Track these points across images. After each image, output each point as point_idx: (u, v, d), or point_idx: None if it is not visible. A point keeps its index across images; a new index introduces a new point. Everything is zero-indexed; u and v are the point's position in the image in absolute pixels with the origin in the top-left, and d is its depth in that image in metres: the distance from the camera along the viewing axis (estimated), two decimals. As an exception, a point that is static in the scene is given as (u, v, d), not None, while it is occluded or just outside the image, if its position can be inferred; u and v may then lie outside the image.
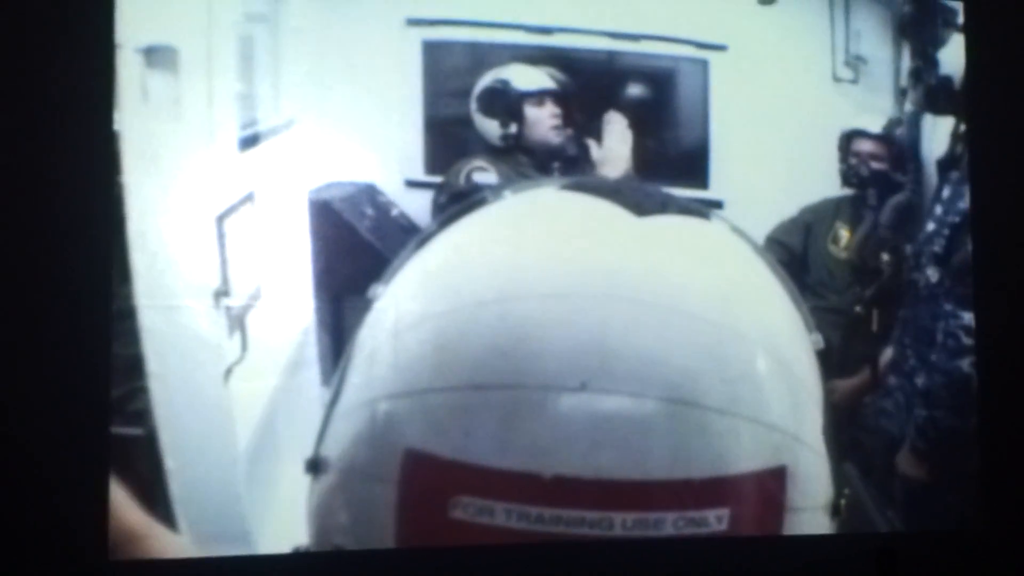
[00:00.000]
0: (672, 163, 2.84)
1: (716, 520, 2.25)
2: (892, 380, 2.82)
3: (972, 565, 2.76)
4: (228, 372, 2.51)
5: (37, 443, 2.40)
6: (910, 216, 2.88)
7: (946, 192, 2.86)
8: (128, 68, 2.48)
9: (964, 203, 2.86)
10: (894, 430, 2.81)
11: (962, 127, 2.90)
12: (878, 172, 2.88)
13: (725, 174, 2.84)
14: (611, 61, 2.85)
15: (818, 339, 2.47)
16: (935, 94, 2.87)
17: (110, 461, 2.42)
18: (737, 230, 2.57)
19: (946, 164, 2.88)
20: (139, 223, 2.47)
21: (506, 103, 2.78)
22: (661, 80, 2.87)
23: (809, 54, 2.91)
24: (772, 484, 2.25)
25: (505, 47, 2.81)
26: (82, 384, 2.42)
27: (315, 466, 2.32)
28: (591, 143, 2.80)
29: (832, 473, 2.38)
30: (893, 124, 2.92)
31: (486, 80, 2.78)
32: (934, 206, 2.87)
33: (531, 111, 2.80)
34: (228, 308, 2.52)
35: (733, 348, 2.25)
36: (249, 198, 2.60)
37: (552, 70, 2.80)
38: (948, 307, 2.82)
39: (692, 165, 2.84)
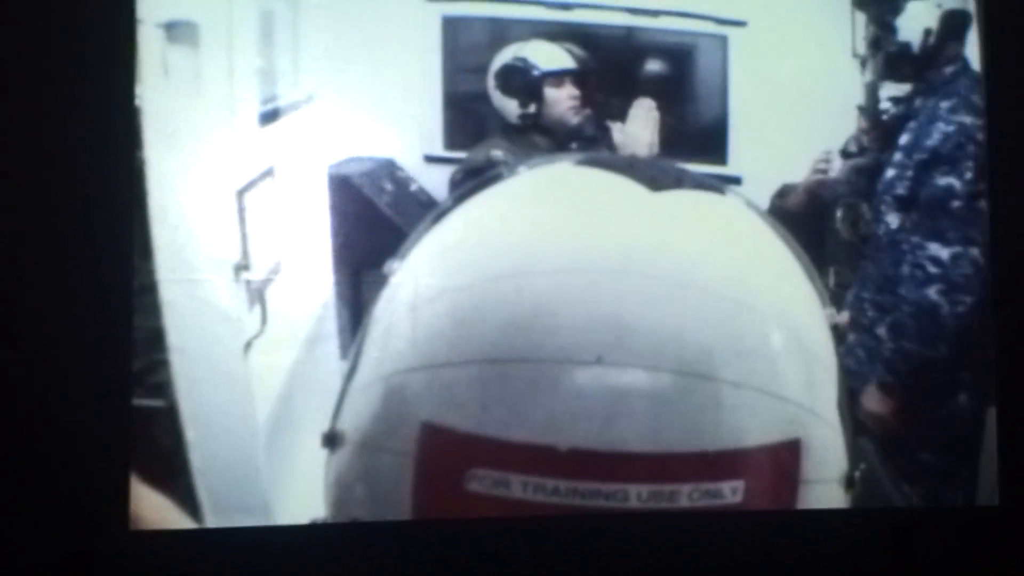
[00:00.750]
0: (691, 139, 2.84)
1: (731, 492, 2.25)
2: (852, 338, 2.81)
3: (989, 540, 2.76)
4: (248, 345, 2.53)
5: (60, 415, 2.44)
6: (869, 176, 2.86)
7: (904, 139, 2.84)
8: (149, 43, 2.49)
9: (930, 141, 2.83)
10: (859, 384, 2.79)
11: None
12: (865, 148, 2.87)
13: (744, 150, 2.83)
14: (630, 37, 2.84)
15: (832, 313, 2.46)
16: (895, 61, 2.85)
17: (132, 432, 2.45)
18: (752, 205, 2.57)
19: (903, 118, 2.86)
20: (160, 198, 2.48)
21: (525, 82, 2.77)
22: (680, 56, 2.86)
23: (829, 30, 2.89)
24: (787, 456, 2.25)
25: (524, 22, 2.81)
26: (104, 357, 2.45)
27: (332, 440, 2.33)
28: (614, 125, 2.80)
29: (847, 446, 2.38)
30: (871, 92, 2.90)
31: (505, 57, 2.78)
32: (892, 155, 2.85)
33: (550, 91, 2.79)
34: (248, 282, 2.54)
35: (747, 322, 2.25)
36: (269, 173, 2.61)
37: (571, 46, 2.79)
38: (915, 239, 2.80)
39: (711, 141, 2.84)
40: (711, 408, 2.20)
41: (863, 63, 2.88)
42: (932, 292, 2.78)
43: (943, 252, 2.79)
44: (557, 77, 2.79)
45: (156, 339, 2.45)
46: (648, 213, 2.35)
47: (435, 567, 2.50)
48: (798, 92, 2.85)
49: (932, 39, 2.86)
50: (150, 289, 2.46)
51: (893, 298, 2.80)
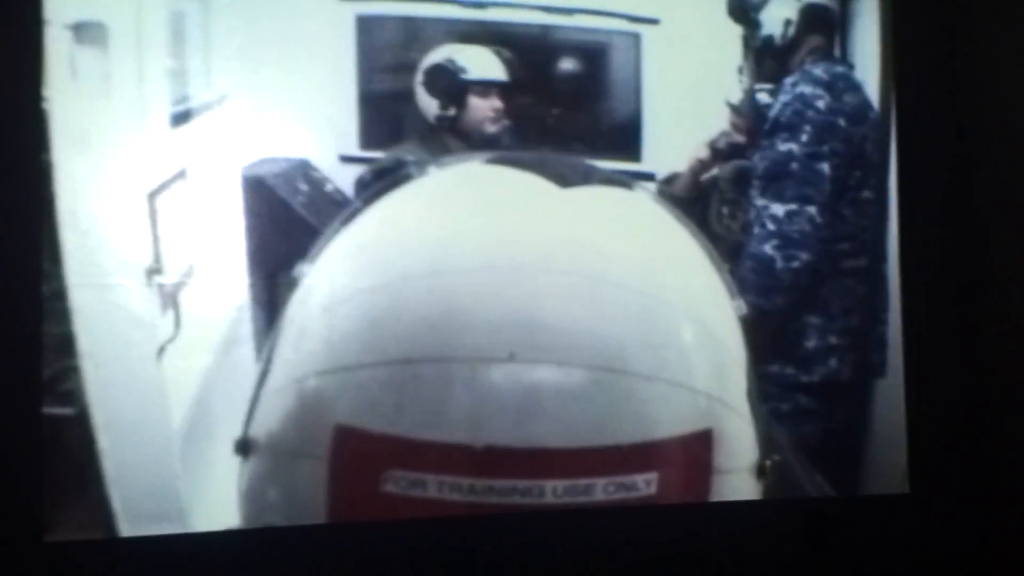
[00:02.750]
0: (605, 136, 2.86)
1: (645, 484, 2.27)
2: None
3: (901, 528, 2.82)
4: (161, 350, 2.49)
5: (-31, 425, 2.38)
6: (742, 171, 2.93)
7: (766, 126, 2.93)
8: (56, 44, 2.44)
9: (772, 113, 2.91)
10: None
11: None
12: (735, 145, 2.93)
13: (657, 147, 2.86)
14: (545, 35, 2.85)
15: (740, 305, 2.50)
16: (761, 57, 2.93)
17: (42, 441, 2.40)
18: (660, 199, 2.60)
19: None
20: (69, 201, 2.44)
21: (451, 85, 2.77)
22: (594, 54, 2.89)
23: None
24: (698, 447, 2.28)
25: (439, 21, 2.81)
26: (13, 364, 2.40)
27: (244, 447, 2.32)
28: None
29: (757, 436, 2.41)
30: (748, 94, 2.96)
31: (436, 56, 2.77)
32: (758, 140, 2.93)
33: (474, 99, 2.79)
34: (161, 286, 2.50)
35: (658, 315, 2.28)
36: (181, 175, 2.58)
37: (503, 50, 2.79)
38: (761, 203, 2.87)
39: (625, 138, 2.86)
40: (624, 401, 2.22)
41: (740, 71, 2.94)
42: (768, 248, 2.85)
43: (779, 209, 2.86)
44: (484, 86, 2.79)
45: (67, 345, 2.40)
46: (558, 210, 2.37)
47: (352, 570, 2.49)
48: (710, 89, 2.89)
49: (792, 30, 2.93)
50: (60, 294, 2.42)
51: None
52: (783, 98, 2.90)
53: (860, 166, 2.91)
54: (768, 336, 2.79)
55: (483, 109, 2.79)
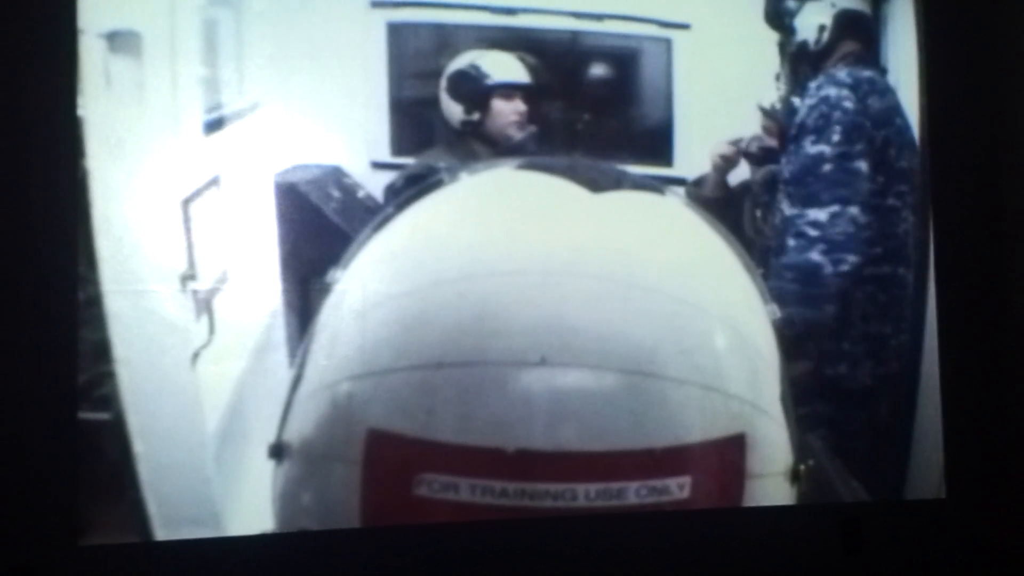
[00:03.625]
0: (636, 142, 2.85)
1: (678, 488, 2.27)
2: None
3: (936, 534, 2.79)
4: (195, 356, 2.51)
5: (5, 429, 2.40)
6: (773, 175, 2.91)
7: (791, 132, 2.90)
8: (91, 54, 2.47)
9: (798, 118, 2.89)
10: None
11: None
12: (767, 149, 2.91)
13: (688, 152, 2.85)
14: (575, 41, 2.85)
15: (774, 309, 2.50)
16: (795, 63, 2.91)
17: (78, 446, 2.42)
18: (692, 204, 2.59)
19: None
20: (104, 209, 2.46)
21: (474, 90, 2.77)
22: (625, 60, 2.88)
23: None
24: (732, 451, 2.28)
25: (470, 28, 2.81)
26: (50, 370, 2.42)
27: (278, 451, 2.33)
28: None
29: (791, 440, 2.40)
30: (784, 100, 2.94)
31: (460, 62, 2.78)
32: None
33: (498, 103, 2.79)
34: (195, 292, 2.52)
35: (690, 319, 2.27)
36: (214, 182, 2.59)
37: (526, 55, 2.79)
38: (794, 211, 2.83)
39: (656, 144, 2.85)
40: (656, 405, 2.21)
41: (777, 77, 2.92)
42: (814, 254, 2.81)
43: (820, 214, 2.83)
44: (507, 90, 2.79)
45: (102, 351, 2.43)
46: (590, 215, 2.37)
47: (386, 573, 2.49)
48: (741, 94, 2.88)
49: (826, 35, 2.91)
50: (95, 301, 2.44)
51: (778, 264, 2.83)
52: (808, 102, 2.89)
53: (883, 171, 2.89)
54: (814, 347, 2.78)
55: (507, 113, 2.79)
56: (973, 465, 2.84)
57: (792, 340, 2.65)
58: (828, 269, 2.81)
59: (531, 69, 2.79)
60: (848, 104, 2.87)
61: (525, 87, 2.79)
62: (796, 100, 2.90)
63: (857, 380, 2.83)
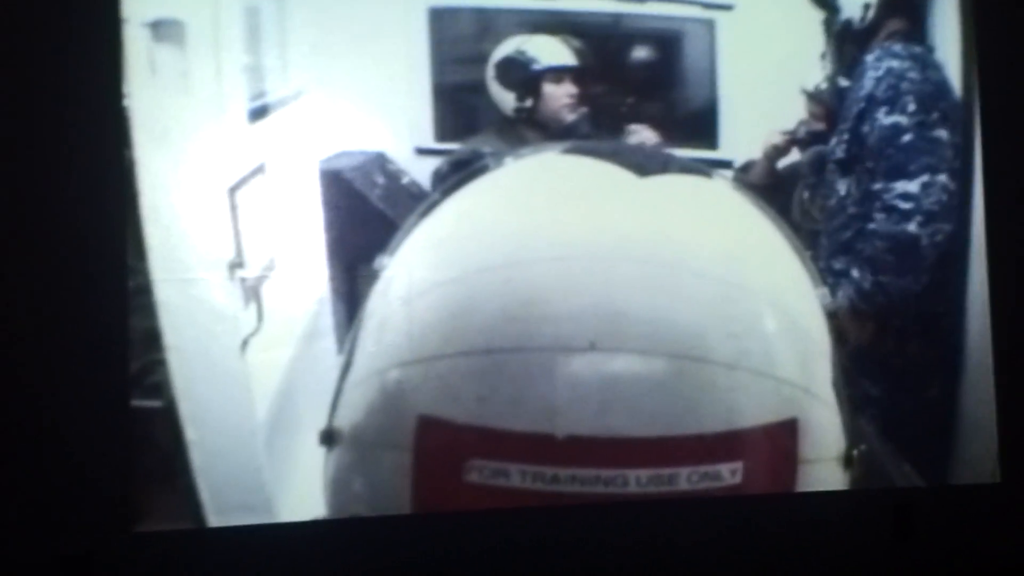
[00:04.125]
0: (681, 125, 2.83)
1: (730, 474, 2.26)
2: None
3: (990, 519, 2.76)
4: (245, 343, 2.53)
5: (60, 418, 2.43)
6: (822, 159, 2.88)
7: (844, 107, 2.86)
8: (135, 43, 2.49)
9: (863, 91, 2.84)
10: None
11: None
12: (815, 132, 2.87)
13: (735, 134, 2.82)
14: (617, 24, 2.83)
15: (825, 293, 2.47)
16: (840, 42, 2.87)
17: (131, 433, 2.45)
18: (740, 187, 2.57)
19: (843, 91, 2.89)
20: (151, 198, 2.48)
21: (524, 76, 2.76)
22: (668, 41, 2.86)
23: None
24: (784, 436, 2.26)
25: (511, 12, 2.80)
26: (101, 358, 2.45)
27: (329, 437, 2.34)
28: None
29: (844, 425, 2.38)
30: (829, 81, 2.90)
31: (506, 49, 2.76)
32: (837, 125, 2.87)
33: (549, 87, 2.78)
34: (243, 280, 2.54)
35: (740, 303, 2.25)
36: (260, 169, 2.61)
37: (570, 38, 2.78)
38: (879, 185, 2.79)
39: (701, 126, 2.83)
40: (707, 390, 2.20)
41: (822, 56, 2.88)
42: (911, 226, 2.78)
43: (911, 186, 2.79)
44: (556, 73, 2.78)
45: (152, 339, 2.45)
46: (637, 199, 2.35)
47: (438, 560, 2.50)
48: (786, 75, 2.85)
49: (871, 13, 2.87)
50: (145, 290, 2.47)
51: (855, 248, 2.80)
52: (872, 74, 2.83)
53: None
54: (913, 318, 2.78)
55: (559, 96, 2.78)
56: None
57: (883, 307, 2.67)
58: (924, 241, 2.78)
59: (576, 52, 2.78)
60: (914, 75, 2.82)
61: (574, 69, 2.78)
62: (842, 80, 2.87)
63: (909, 359, 2.82)
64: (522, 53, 2.76)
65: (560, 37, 2.78)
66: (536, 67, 2.76)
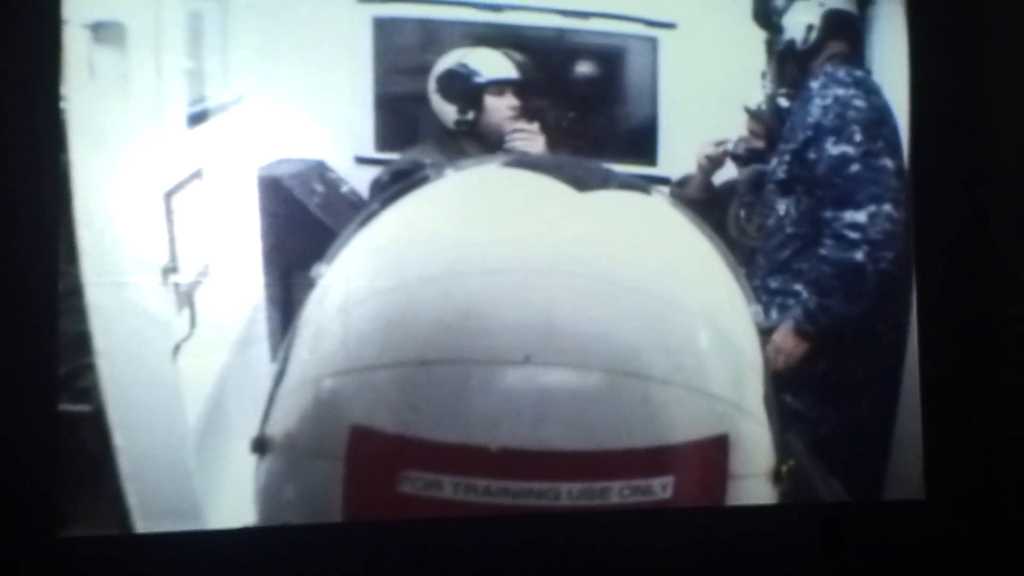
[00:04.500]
0: (621, 141, 2.86)
1: (661, 488, 2.27)
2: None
3: (916, 534, 2.81)
4: (177, 349, 2.50)
5: (-16, 421, 2.39)
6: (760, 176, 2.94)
7: (786, 128, 2.92)
8: (75, 44, 2.45)
9: (811, 118, 2.90)
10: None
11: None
12: (754, 150, 2.93)
13: (674, 151, 2.86)
14: (560, 39, 2.86)
15: (758, 311, 2.51)
16: (782, 62, 2.94)
17: (58, 438, 2.41)
18: (677, 204, 2.60)
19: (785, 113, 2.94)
20: (86, 200, 2.45)
21: (466, 88, 2.78)
22: (610, 58, 2.89)
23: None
24: (715, 452, 2.27)
25: (456, 24, 2.81)
26: (29, 361, 2.41)
27: (261, 445, 2.32)
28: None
29: (774, 441, 2.40)
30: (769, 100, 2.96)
31: (448, 62, 2.78)
32: (776, 145, 2.93)
33: (491, 100, 2.80)
34: (176, 285, 2.51)
35: (675, 320, 2.27)
36: (197, 175, 2.59)
37: (513, 52, 2.80)
38: (828, 214, 2.86)
39: (641, 143, 2.86)
40: (640, 405, 2.21)
41: (763, 75, 2.94)
42: (859, 255, 2.84)
43: (859, 215, 2.85)
44: (498, 86, 2.80)
45: (82, 343, 2.41)
46: (576, 213, 2.36)
47: (368, 569, 2.50)
48: (727, 93, 2.89)
49: (814, 34, 2.93)
50: (76, 292, 2.43)
51: (793, 267, 2.87)
52: (819, 102, 2.89)
53: None
54: (851, 339, 2.84)
55: (501, 109, 2.80)
56: (953, 466, 2.85)
57: (823, 327, 2.76)
58: (869, 268, 2.84)
59: (519, 65, 2.79)
60: (859, 103, 2.88)
61: (516, 83, 2.79)
62: (783, 100, 2.91)
63: (843, 377, 2.88)
64: (464, 66, 2.77)
65: (503, 51, 2.80)
66: (478, 80, 2.78)
